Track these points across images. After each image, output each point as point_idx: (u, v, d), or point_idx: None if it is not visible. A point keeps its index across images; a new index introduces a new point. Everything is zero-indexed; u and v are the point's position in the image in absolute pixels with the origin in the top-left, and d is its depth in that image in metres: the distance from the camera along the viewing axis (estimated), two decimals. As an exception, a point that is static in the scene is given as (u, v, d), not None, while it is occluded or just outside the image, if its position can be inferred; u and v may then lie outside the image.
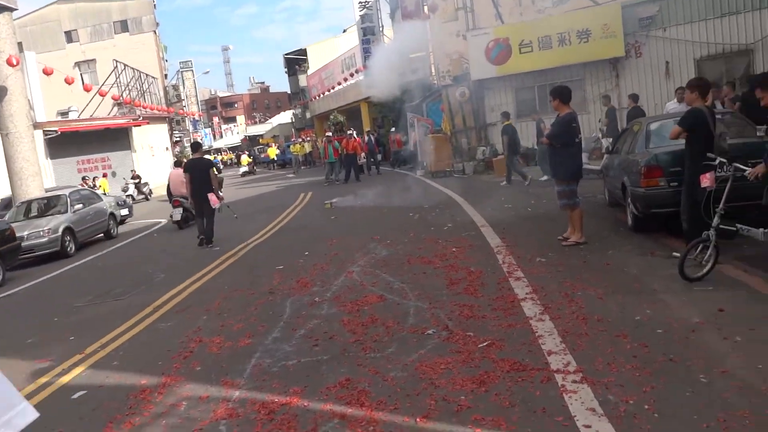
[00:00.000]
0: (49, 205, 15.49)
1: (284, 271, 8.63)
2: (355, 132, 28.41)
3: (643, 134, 8.40)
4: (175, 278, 9.31)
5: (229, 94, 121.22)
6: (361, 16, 35.69)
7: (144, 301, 8.02)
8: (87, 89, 27.73)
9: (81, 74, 46.56)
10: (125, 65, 39.20)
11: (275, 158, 44.20)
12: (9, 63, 16.63)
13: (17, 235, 13.49)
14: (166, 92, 47.15)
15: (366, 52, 34.74)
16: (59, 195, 15.63)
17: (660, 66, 18.43)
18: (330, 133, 27.85)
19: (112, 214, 16.87)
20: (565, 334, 4.84)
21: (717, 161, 5.89)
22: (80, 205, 15.29)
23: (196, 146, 13.25)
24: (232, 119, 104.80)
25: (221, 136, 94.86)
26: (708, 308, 5.07)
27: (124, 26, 46.63)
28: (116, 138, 34.86)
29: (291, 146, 41.40)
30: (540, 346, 4.67)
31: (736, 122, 8.52)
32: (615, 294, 5.74)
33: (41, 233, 13.68)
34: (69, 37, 47.03)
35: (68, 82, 20.59)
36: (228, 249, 11.22)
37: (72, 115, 37.92)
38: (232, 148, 73.49)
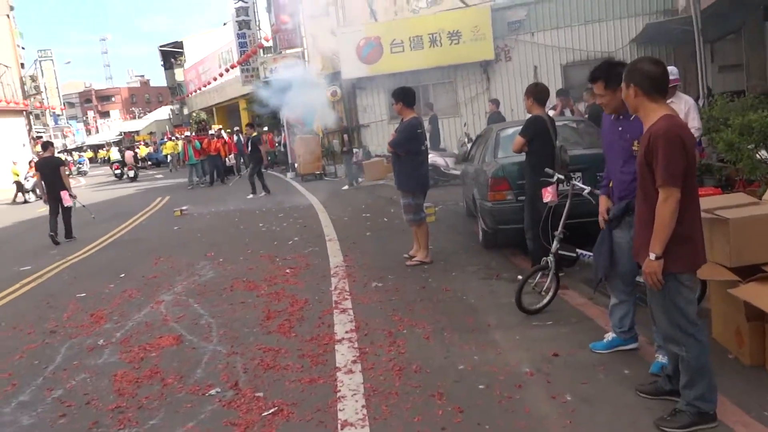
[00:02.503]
0: None
1: (84, 300, 7.27)
2: (223, 131, 26.91)
3: (493, 143, 7.74)
4: (-46, 309, 7.70)
5: (105, 86, 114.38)
6: (236, 9, 33.88)
7: None
8: None
9: None
10: (-31, 52, 35.33)
11: (145, 157, 41.19)
12: None
13: None
14: (22, 83, 43.02)
15: (242, 47, 33.12)
16: None
17: (529, 70, 18.30)
18: (188, 133, 26.07)
19: None
20: (372, 394, 3.94)
21: (555, 177, 5.22)
22: None
23: (45, 145, 13.17)
24: (108, 114, 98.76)
25: (97, 132, 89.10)
26: (542, 351, 4.35)
27: (-29, 9, 42.08)
28: (-44, 133, 31.27)
29: (163, 145, 38.88)
30: (336, 414, 3.73)
31: (588, 131, 8.05)
32: (444, 331, 4.93)
33: None
34: None
35: None
36: (40, 268, 9.64)
37: None
38: (102, 145, 68.88)
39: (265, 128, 27.69)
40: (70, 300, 7.35)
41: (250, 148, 17.12)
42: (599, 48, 17.75)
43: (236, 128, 29.35)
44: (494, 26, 18.21)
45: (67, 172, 13.11)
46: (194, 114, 35.68)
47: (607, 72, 3.89)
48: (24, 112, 40.59)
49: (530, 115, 6.10)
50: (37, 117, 45.48)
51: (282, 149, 23.88)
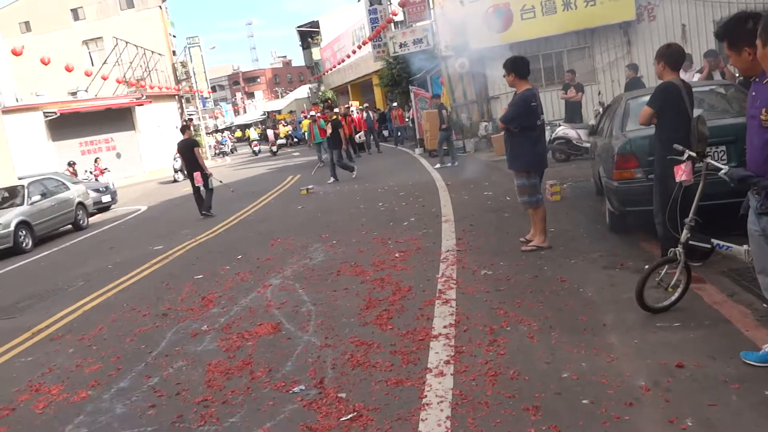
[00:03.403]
0: (7, 196, 14.51)
1: (199, 282, 7.45)
2: (356, 108, 27.08)
3: (621, 113, 6.92)
4: (90, 287, 8.25)
5: (251, 69, 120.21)
6: (367, -15, 33.91)
7: (33, 321, 6.95)
8: (87, 74, 26.79)
9: (90, 52, 45.84)
10: (127, 43, 38.21)
11: (289, 134, 42.55)
12: (-32, 44, 15.56)
13: (-35, 230, 12.64)
14: (174, 69, 46.04)
15: (373, 23, 33.14)
16: (16, 186, 14.64)
17: (675, 30, 16.60)
18: (314, 112, 26.40)
19: (80, 203, 15.87)
20: (460, 403, 3.55)
21: (686, 155, 4.47)
22: (39, 197, 14.27)
23: (183, 128, 14.26)
24: (254, 95, 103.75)
25: (244, 111, 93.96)
26: (663, 361, 3.72)
27: (129, 2, 45.43)
28: (120, 118, 34.02)
29: (300, 123, 39.99)
30: (417, 425, 3.39)
31: (738, 97, 6.99)
32: (551, 330, 4.41)
33: (-9, 229, 12.74)
34: (75, 14, 46.08)
35: (44, 63, 19.52)
36: (170, 247, 10.12)
37: (80, 96, 37.26)
38: (250, 125, 72.39)
39: (395, 104, 27.53)
40: (187, 282, 7.56)
41: (330, 132, 16.38)
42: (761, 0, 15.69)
43: (366, 105, 29.48)
44: (635, -18, 16.67)
45: (202, 153, 13.97)
46: (320, 93, 36.18)
47: (732, 29, 3.20)
48: (176, 97, 43.50)
49: (660, 82, 5.31)
50: (187, 100, 48.55)
51: (411, 125, 23.60)
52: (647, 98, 6.30)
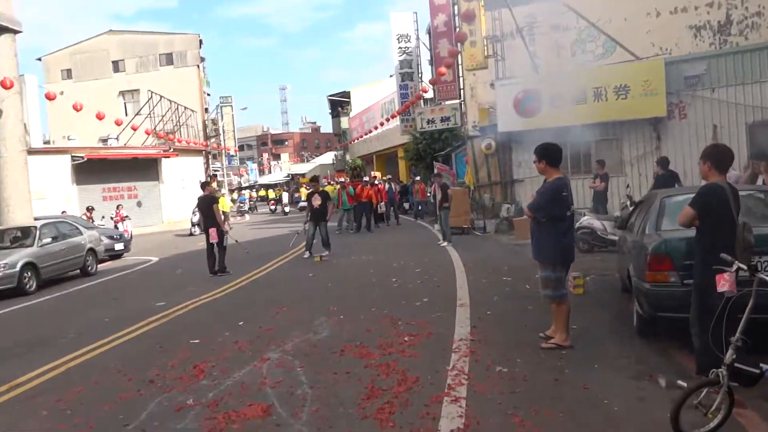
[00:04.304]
0: (19, 236, 14.35)
1: (194, 348, 7.01)
2: (378, 178, 27.05)
3: (656, 211, 6.55)
4: (81, 341, 7.84)
5: (281, 131, 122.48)
6: (400, 61, 34.58)
7: (14, 373, 6.53)
8: (117, 123, 27.23)
9: (125, 103, 46.98)
10: (161, 97, 39.06)
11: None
12: (3, 85, 15.79)
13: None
14: (204, 126, 46.90)
15: (403, 97, 33.62)
16: (30, 227, 14.50)
17: (707, 129, 16.39)
18: (343, 179, 26.42)
19: (91, 249, 15.66)
20: None
21: (735, 267, 4.06)
22: (49, 240, 14.08)
23: (204, 185, 14.36)
24: (280, 156, 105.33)
25: (269, 172, 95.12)
26: (703, 502, 3.20)
27: (169, 59, 46.85)
28: (145, 168, 34.36)
29: (323, 188, 40.19)
30: None
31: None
32: (573, 450, 3.91)
33: (-5, 268, 12.47)
34: (116, 66, 47.53)
35: (75, 108, 19.73)
36: (172, 305, 9.74)
37: (111, 143, 37.86)
38: (273, 185, 73.11)
39: (418, 177, 27.47)
40: (182, 345, 7.14)
41: (319, 204, 14.99)
42: (794, 107, 15.50)
43: (388, 176, 29.48)
44: (668, 81, 16.60)
45: (227, 209, 13.91)
46: (350, 161, 36.45)
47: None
48: (203, 152, 44.06)
49: (705, 183, 4.96)
50: (214, 156, 49.22)
51: (432, 200, 23.41)
52: (684, 197, 5.98)
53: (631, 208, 12.68)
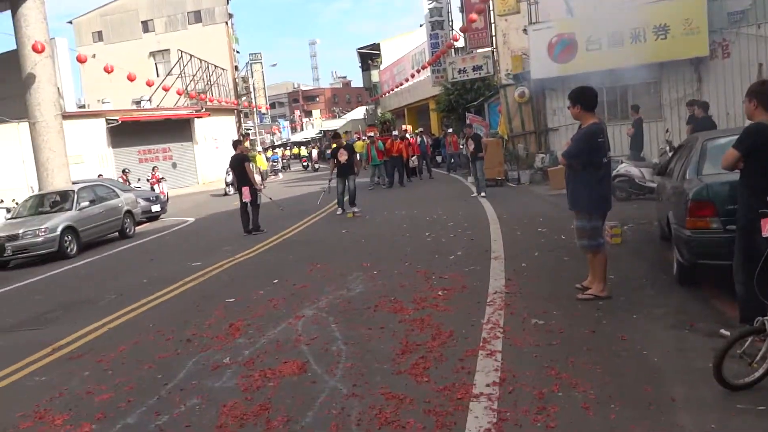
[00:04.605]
0: (58, 201, 14.63)
1: (230, 306, 7.09)
2: (409, 132, 26.77)
3: (697, 155, 6.29)
4: (121, 302, 8.00)
5: (312, 87, 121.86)
6: (430, 10, 33.79)
7: (57, 335, 6.70)
8: (149, 84, 27.32)
9: (156, 63, 47.10)
10: (191, 56, 39.00)
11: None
12: (34, 49, 15.91)
13: (13, 232, 12.73)
14: (235, 84, 46.83)
15: (433, 47, 32.94)
16: (68, 191, 14.75)
17: (751, 68, 15.66)
18: (372, 134, 26.15)
19: (128, 212, 15.89)
20: (500, 486, 3.02)
21: (782, 211, 3.87)
22: (87, 203, 14.31)
23: (236, 143, 14.17)
24: (311, 113, 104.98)
25: (301, 129, 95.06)
26: (747, 454, 3.11)
27: (197, 17, 46.61)
28: (179, 129, 34.64)
29: (354, 143, 40.02)
30: None
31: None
32: (610, 402, 3.82)
33: (37, 232, 12.75)
34: (145, 26, 47.52)
35: (107, 71, 19.83)
36: (208, 264, 9.85)
37: (144, 105, 38.17)
38: (305, 143, 73.19)
39: (450, 130, 27.10)
40: (218, 304, 7.22)
41: (346, 159, 14.77)
42: None
43: (420, 129, 29.13)
44: (710, 18, 15.86)
45: (253, 169, 13.87)
46: (380, 114, 36.07)
47: None
48: (235, 111, 44.13)
49: (750, 123, 4.71)
50: (246, 115, 49.26)
51: (464, 152, 23.10)
52: (728, 140, 5.72)
53: (670, 154, 12.33)
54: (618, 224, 8.73)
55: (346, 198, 14.96)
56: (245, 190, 13.11)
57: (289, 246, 11.15)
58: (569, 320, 5.46)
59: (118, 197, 15.84)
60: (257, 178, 15.11)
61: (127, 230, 15.68)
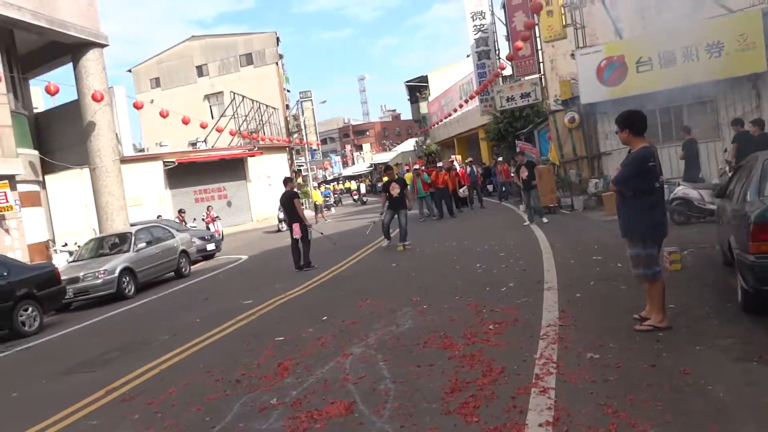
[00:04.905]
0: (117, 243, 15.06)
1: (280, 345, 7.06)
2: (458, 162, 26.66)
3: (757, 175, 5.99)
4: (174, 342, 8.10)
5: (362, 122, 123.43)
6: (476, 40, 33.88)
7: (111, 377, 6.80)
8: (203, 126, 28.15)
9: (210, 106, 48.63)
10: (243, 97, 40.07)
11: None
12: (94, 98, 16.65)
13: (74, 275, 13.11)
14: (287, 122, 47.81)
15: (480, 77, 32.95)
16: (126, 233, 15.18)
17: (813, 82, 15.04)
18: (418, 166, 26.11)
19: (184, 251, 16.24)
20: None
21: None
22: (144, 244, 14.69)
23: (285, 181, 14.20)
24: (362, 147, 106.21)
25: (353, 163, 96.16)
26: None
27: (249, 59, 48.03)
28: (233, 168, 35.48)
29: (404, 176, 40.12)
30: None
31: None
32: (673, 443, 3.59)
33: (96, 275, 13.12)
34: (200, 71, 49.22)
35: (162, 115, 20.52)
36: (260, 302, 9.92)
37: (200, 147, 39.34)
38: (357, 176, 73.93)
39: (500, 158, 26.87)
40: (268, 343, 7.21)
41: (397, 193, 14.65)
42: None
43: (470, 159, 28.99)
44: (766, 32, 15.33)
45: (303, 205, 14.02)
46: (425, 146, 36.13)
47: None
48: (287, 149, 44.95)
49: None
50: (297, 152, 50.12)
51: (516, 180, 22.83)
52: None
53: (729, 174, 11.85)
54: (677, 249, 8.38)
55: (396, 231, 14.92)
56: (295, 226, 13.25)
57: (339, 281, 11.14)
58: (627, 354, 5.20)
59: (174, 237, 16.21)
60: (309, 213, 15.29)
61: (183, 269, 16.00)
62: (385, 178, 15.73)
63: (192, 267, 17.01)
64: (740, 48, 15.71)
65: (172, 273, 15.81)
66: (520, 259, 10.65)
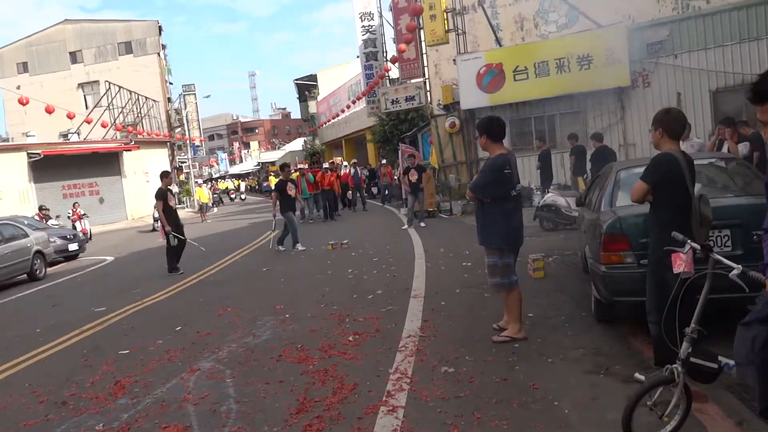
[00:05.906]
0: (-42, 242, 13.57)
1: (121, 359, 6.45)
2: (342, 163, 26.45)
3: (611, 186, 6.08)
4: (2, 357, 7.20)
5: (251, 119, 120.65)
6: (364, 41, 33.80)
7: None
8: (69, 117, 26.07)
9: (84, 95, 45.58)
10: (120, 87, 37.89)
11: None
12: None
13: None
14: (168, 116, 45.69)
15: (368, 78, 32.88)
16: (-33, 231, 13.72)
17: (671, 97, 15.99)
18: (302, 166, 25.72)
19: (39, 252, 14.89)
20: None
21: (687, 247, 3.60)
22: (-9, 244, 13.32)
23: (161, 175, 13.01)
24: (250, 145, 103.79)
25: (240, 161, 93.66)
26: None
27: (128, 48, 45.42)
28: (106, 163, 33.37)
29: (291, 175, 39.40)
30: None
31: (742, 172, 6.21)
32: (514, 467, 3.43)
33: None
34: (74, 57, 46.00)
35: (22, 103, 18.83)
36: (112, 310, 9.13)
37: (72, 138, 36.68)
38: (241, 175, 72.20)
39: (384, 161, 26.89)
40: (109, 357, 6.57)
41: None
42: (758, 70, 15.15)
43: (354, 161, 28.86)
44: (631, 48, 16.17)
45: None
46: (309, 146, 35.77)
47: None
48: (167, 144, 42.96)
49: (657, 153, 4.49)
50: (179, 148, 48.05)
51: (398, 183, 22.90)
52: (643, 169, 5.51)
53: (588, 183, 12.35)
54: (541, 257, 8.50)
55: (276, 233, 14.50)
56: (160, 228, 12.42)
57: (204, 287, 10.50)
58: (481, 367, 5.08)
59: (27, 237, 14.83)
60: (190, 214, 14.44)
61: (37, 272, 14.67)
62: (279, 177, 15.50)
63: (50, 269, 15.68)
64: (607, 62, 16.49)
65: (25, 275, 14.44)
66: (392, 265, 10.50)
